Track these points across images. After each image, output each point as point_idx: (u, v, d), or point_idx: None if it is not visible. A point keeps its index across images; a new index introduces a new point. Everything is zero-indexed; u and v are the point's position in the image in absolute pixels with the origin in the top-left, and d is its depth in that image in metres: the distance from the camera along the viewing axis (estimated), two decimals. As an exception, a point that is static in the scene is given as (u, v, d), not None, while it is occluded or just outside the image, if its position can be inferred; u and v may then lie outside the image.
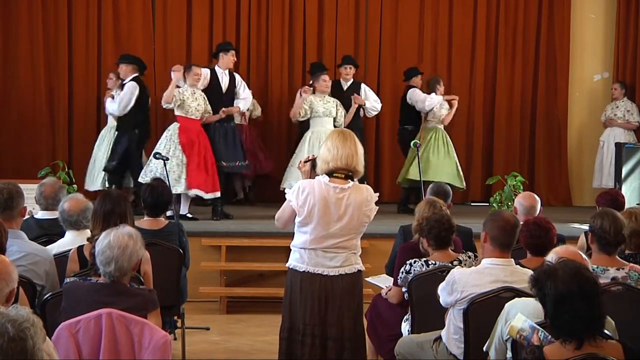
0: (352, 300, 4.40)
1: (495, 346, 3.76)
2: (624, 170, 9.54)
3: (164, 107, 8.82)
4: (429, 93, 9.78)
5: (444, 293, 4.24)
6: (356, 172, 4.31)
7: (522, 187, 8.56)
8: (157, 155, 8.36)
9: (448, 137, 9.83)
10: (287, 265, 4.44)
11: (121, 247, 3.74)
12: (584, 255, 3.91)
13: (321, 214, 4.22)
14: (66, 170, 8.58)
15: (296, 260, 4.36)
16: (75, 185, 8.41)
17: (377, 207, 4.41)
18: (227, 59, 9.15)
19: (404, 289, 4.92)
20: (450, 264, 4.75)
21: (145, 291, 3.89)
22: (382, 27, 11.15)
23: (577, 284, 3.02)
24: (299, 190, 4.27)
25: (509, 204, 8.32)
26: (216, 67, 9.19)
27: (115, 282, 3.76)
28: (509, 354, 3.55)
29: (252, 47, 10.89)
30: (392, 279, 5.34)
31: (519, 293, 4.00)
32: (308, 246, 4.30)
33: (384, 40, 11.18)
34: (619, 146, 9.94)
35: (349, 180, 4.28)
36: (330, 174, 4.26)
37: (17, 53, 10.51)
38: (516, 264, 4.31)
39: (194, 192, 8.59)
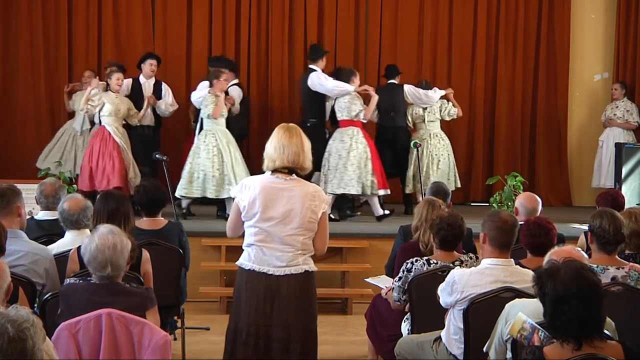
0: (301, 302, 4.24)
1: (495, 346, 3.76)
2: (624, 171, 9.54)
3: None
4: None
5: (444, 294, 4.24)
6: (303, 169, 4.25)
7: (522, 187, 8.56)
8: (157, 156, 8.37)
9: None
10: (236, 263, 4.37)
11: (110, 247, 3.74)
12: (582, 252, 3.91)
13: (263, 205, 4.15)
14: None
15: (243, 258, 4.29)
16: (75, 186, 8.41)
17: (325, 209, 4.26)
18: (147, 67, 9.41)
19: (402, 296, 4.89)
20: (451, 264, 4.74)
21: (142, 289, 3.90)
22: (382, 27, 11.16)
23: (576, 285, 3.01)
24: (243, 186, 4.26)
25: (509, 204, 8.32)
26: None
27: (113, 282, 3.76)
28: (509, 354, 3.55)
29: (252, 47, 10.89)
30: (391, 279, 5.34)
31: (519, 293, 4.00)
32: (254, 241, 4.21)
33: (384, 40, 11.18)
34: (618, 146, 9.94)
35: (293, 174, 4.22)
36: (273, 170, 4.23)
37: (17, 53, 10.51)
38: (516, 264, 4.31)
39: None
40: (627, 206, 6.11)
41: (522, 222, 4.86)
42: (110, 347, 3.43)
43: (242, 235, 4.34)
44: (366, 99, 9.16)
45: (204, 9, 10.84)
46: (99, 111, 8.89)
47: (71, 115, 10.16)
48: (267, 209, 4.16)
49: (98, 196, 5.34)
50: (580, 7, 11.48)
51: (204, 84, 9.01)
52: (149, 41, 10.75)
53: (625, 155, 9.61)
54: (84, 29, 10.63)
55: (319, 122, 9.23)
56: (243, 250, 4.32)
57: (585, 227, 5.31)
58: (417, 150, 9.17)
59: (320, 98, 9.19)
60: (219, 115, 8.73)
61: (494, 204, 8.62)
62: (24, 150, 10.36)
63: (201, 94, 8.88)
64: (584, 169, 11.37)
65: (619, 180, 9.55)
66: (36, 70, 10.49)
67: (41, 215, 5.45)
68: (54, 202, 5.35)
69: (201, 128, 8.85)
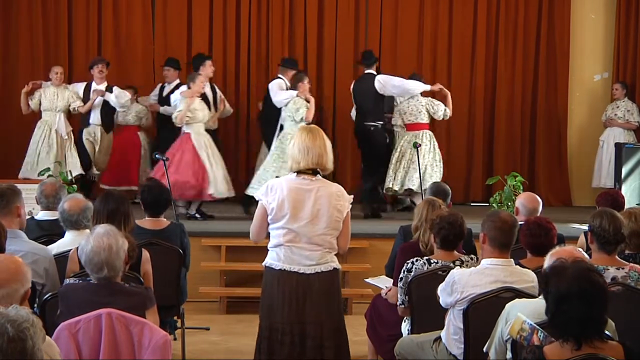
0: (331, 298, 4.36)
1: (495, 347, 3.76)
2: (624, 171, 9.54)
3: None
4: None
5: (444, 294, 4.24)
6: (325, 170, 4.34)
7: (522, 187, 8.55)
8: (157, 156, 8.37)
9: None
10: (263, 264, 4.40)
11: (105, 249, 3.73)
12: (583, 253, 3.90)
13: (292, 206, 4.22)
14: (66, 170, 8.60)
15: (272, 259, 4.33)
16: (75, 186, 8.41)
17: (349, 208, 4.35)
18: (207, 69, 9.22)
19: (405, 297, 4.89)
20: (452, 264, 4.74)
21: (142, 289, 3.90)
22: (382, 27, 11.17)
23: (578, 285, 3.00)
24: (268, 188, 4.30)
25: (509, 204, 8.31)
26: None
27: (112, 282, 3.76)
28: (509, 354, 3.55)
29: (252, 47, 10.90)
30: (391, 279, 5.34)
31: (519, 293, 4.00)
32: (283, 242, 4.26)
33: (384, 40, 11.19)
34: (618, 146, 9.94)
35: (316, 175, 4.30)
36: (297, 171, 4.30)
37: (17, 53, 10.52)
38: (516, 264, 4.31)
39: None
40: (627, 206, 6.10)
41: (522, 222, 4.87)
42: (110, 347, 3.43)
43: (267, 236, 4.38)
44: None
45: (204, 9, 10.85)
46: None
47: (27, 117, 9.80)
48: (296, 210, 4.22)
49: (98, 196, 5.34)
50: (580, 7, 11.48)
51: (280, 84, 9.05)
52: (149, 41, 10.76)
53: (625, 155, 9.60)
54: (84, 29, 10.64)
55: (381, 126, 9.28)
56: (269, 251, 4.37)
57: (585, 227, 5.30)
58: (418, 151, 9.17)
59: (381, 102, 9.26)
60: (311, 119, 8.63)
61: (494, 204, 8.62)
62: (24, 150, 10.33)
63: (287, 95, 8.79)
64: (584, 169, 11.36)
65: (619, 180, 9.55)
66: (36, 70, 10.47)
67: (41, 215, 5.45)
68: (54, 202, 5.35)
69: (280, 129, 8.83)
